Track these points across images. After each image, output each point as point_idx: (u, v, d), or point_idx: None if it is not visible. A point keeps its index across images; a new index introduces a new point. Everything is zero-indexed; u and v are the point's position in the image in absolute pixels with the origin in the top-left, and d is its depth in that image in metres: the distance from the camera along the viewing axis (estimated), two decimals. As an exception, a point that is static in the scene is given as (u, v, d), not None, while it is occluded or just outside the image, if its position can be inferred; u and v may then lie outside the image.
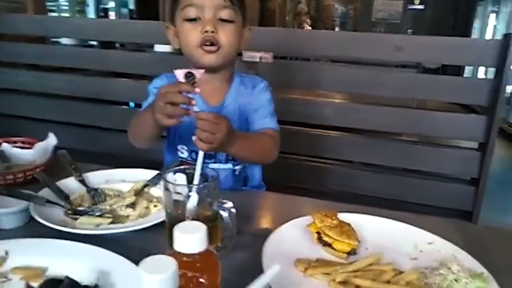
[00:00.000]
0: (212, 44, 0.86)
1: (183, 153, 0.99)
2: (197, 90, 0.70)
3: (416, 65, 2.64)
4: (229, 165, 0.98)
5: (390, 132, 1.55)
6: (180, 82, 0.71)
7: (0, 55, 1.95)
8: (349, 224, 0.68)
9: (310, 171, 1.57)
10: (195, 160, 0.95)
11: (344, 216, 0.71)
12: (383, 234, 0.69)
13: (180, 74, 0.71)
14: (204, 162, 0.95)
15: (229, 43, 0.88)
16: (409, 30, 8.30)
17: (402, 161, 1.50)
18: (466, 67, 5.83)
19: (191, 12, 0.86)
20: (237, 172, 1.00)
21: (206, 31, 0.85)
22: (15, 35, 1.98)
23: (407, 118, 1.47)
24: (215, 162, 0.98)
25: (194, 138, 0.72)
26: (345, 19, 10.28)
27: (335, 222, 0.68)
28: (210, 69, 0.90)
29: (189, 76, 0.71)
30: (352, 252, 0.65)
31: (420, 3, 8.41)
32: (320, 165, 1.56)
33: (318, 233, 0.68)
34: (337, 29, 9.87)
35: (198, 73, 0.72)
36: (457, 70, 5.23)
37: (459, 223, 0.79)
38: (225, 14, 0.87)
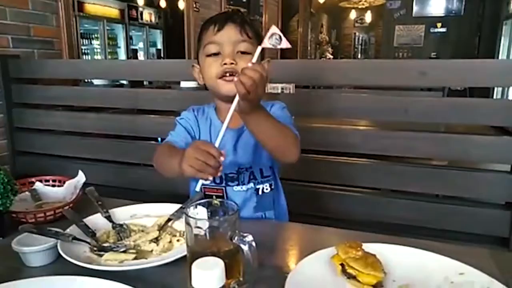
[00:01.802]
0: (231, 75, 0.90)
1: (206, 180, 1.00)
2: (222, 158, 0.73)
3: (442, 88, 2.59)
4: (251, 184, 0.99)
5: (418, 157, 1.51)
6: (213, 146, 0.73)
7: (37, 98, 2.08)
8: (374, 255, 0.66)
9: (336, 200, 1.54)
10: (218, 184, 0.99)
11: (369, 247, 0.69)
12: (410, 265, 0.66)
13: None
14: (227, 185, 0.98)
15: None
16: (433, 53, 8.23)
17: (432, 187, 1.45)
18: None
19: (212, 48, 0.93)
20: (260, 192, 1.00)
21: (225, 63, 0.90)
22: (52, 78, 2.11)
23: (435, 142, 1.43)
24: (238, 185, 0.99)
25: (235, 79, 0.72)
26: (367, 46, 10.33)
27: (359, 253, 0.66)
28: (231, 98, 0.92)
29: None
30: (378, 285, 0.62)
31: (442, 26, 8.36)
32: (346, 193, 1.53)
33: (342, 265, 0.66)
34: (359, 56, 9.91)
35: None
36: (486, 91, 5.08)
37: (494, 251, 0.75)
38: (243, 47, 0.92)
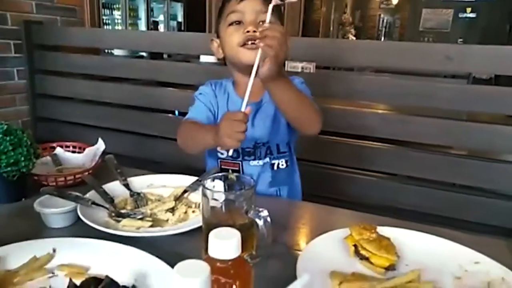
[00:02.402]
0: (253, 43, 0.89)
1: (223, 153, 1.01)
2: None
3: (467, 76, 2.52)
4: (267, 159, 1.00)
5: (438, 145, 1.48)
6: (241, 112, 0.76)
7: (58, 65, 2.10)
8: (388, 239, 0.66)
9: (351, 183, 1.53)
10: (235, 159, 0.99)
11: (383, 230, 0.69)
12: (425, 251, 0.66)
13: None
14: (243, 159, 0.99)
15: None
16: (459, 40, 7.94)
17: (450, 176, 1.43)
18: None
19: (234, 17, 0.92)
20: (276, 167, 1.01)
21: (248, 31, 0.89)
22: (73, 46, 2.13)
23: (456, 130, 1.40)
24: (254, 159, 1.00)
25: (261, 44, 0.73)
26: (391, 29, 10.04)
27: (374, 235, 0.66)
28: (250, 69, 0.92)
29: None
30: (390, 268, 0.62)
31: (471, 11, 8.03)
32: (362, 177, 1.53)
33: (355, 246, 0.66)
34: (382, 39, 9.67)
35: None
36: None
37: (511, 242, 0.73)
38: (265, 17, 0.89)
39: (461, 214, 1.37)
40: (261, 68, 0.75)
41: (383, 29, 10.09)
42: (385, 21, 10.02)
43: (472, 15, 8.11)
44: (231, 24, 0.93)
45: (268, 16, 0.76)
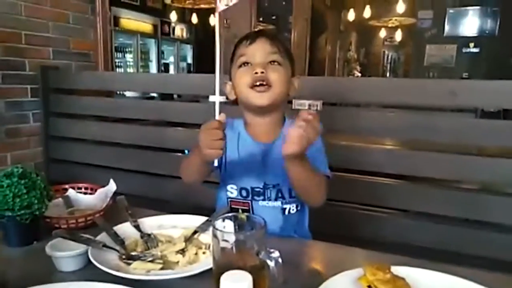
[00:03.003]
0: (262, 85, 0.93)
1: (232, 192, 1.02)
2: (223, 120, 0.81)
3: (474, 109, 2.52)
4: (279, 203, 0.99)
5: (449, 179, 1.47)
6: (215, 120, 0.80)
7: (72, 108, 2.17)
8: (403, 279, 0.64)
9: (361, 220, 1.51)
10: (245, 198, 1.00)
11: (398, 270, 0.67)
12: (441, 291, 0.64)
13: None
14: (253, 199, 1.00)
15: (278, 82, 0.94)
16: (464, 74, 8.03)
17: (463, 211, 1.40)
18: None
19: (244, 59, 0.97)
20: (287, 212, 1.00)
21: (256, 73, 0.93)
22: (87, 89, 2.21)
23: (467, 165, 1.39)
24: (264, 200, 0.99)
25: (302, 128, 0.75)
26: (396, 64, 10.21)
27: (388, 276, 0.64)
28: (261, 110, 0.97)
29: None
30: (407, 310, 0.60)
31: (474, 46, 8.17)
32: (372, 213, 1.51)
33: (369, 287, 0.64)
34: (388, 74, 9.81)
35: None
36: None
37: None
38: (273, 57, 0.96)
39: (477, 251, 1.33)
40: (288, 145, 0.78)
41: (388, 65, 10.27)
42: (389, 57, 10.22)
43: (476, 50, 8.24)
44: (240, 66, 0.97)
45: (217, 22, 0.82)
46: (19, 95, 2.10)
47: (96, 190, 1.11)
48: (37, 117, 2.18)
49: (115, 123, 2.11)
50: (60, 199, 1.08)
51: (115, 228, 0.86)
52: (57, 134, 2.21)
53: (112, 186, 1.09)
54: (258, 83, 0.93)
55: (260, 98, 0.94)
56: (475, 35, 8.26)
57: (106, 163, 2.06)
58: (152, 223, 0.92)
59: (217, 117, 0.80)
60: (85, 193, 1.13)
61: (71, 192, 1.12)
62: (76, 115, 2.18)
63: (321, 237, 1.00)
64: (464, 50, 8.32)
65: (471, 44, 8.21)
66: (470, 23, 8.29)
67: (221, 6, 0.80)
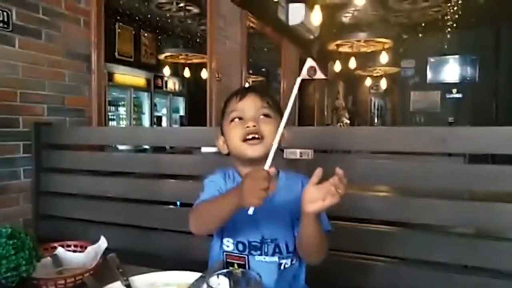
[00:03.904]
0: (254, 138, 0.95)
1: (229, 246, 1.00)
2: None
3: (462, 154, 2.57)
4: (275, 258, 0.97)
5: (443, 225, 1.46)
6: (264, 170, 0.81)
7: (63, 163, 2.17)
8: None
9: (357, 269, 1.48)
10: (241, 252, 0.98)
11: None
12: None
13: None
14: (250, 253, 0.98)
15: (270, 134, 0.96)
16: (450, 119, 8.26)
17: (461, 258, 1.39)
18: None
19: (235, 114, 0.99)
20: (282, 267, 0.97)
21: (248, 126, 0.96)
22: (80, 145, 2.22)
23: (461, 210, 1.39)
24: (261, 255, 0.97)
25: (335, 192, 0.79)
26: (383, 111, 10.49)
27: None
28: (255, 163, 0.97)
29: None
30: None
31: (457, 92, 8.49)
32: (368, 262, 1.48)
33: None
34: (376, 120, 10.04)
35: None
36: (510, 157, 4.99)
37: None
38: (264, 111, 0.99)
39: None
40: (320, 202, 0.80)
41: (376, 111, 10.56)
42: (376, 104, 10.54)
43: (459, 95, 8.56)
44: (232, 121, 1.00)
45: (296, 89, 0.85)
46: (11, 151, 2.10)
47: (86, 248, 1.09)
48: (28, 173, 2.17)
49: (107, 176, 2.09)
50: (48, 258, 1.05)
51: (105, 288, 0.83)
52: (47, 190, 2.19)
53: (102, 243, 1.07)
54: (250, 136, 0.95)
55: (253, 150, 0.96)
56: (457, 81, 8.63)
57: (97, 218, 2.02)
58: (144, 281, 0.90)
59: (266, 167, 0.81)
60: (74, 251, 1.11)
61: (60, 251, 1.09)
62: (68, 170, 2.16)
63: (316, 288, 0.98)
64: (447, 95, 8.64)
65: (454, 90, 8.55)
66: (451, 71, 8.69)
67: (306, 76, 0.85)
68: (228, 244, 1.00)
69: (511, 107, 6.72)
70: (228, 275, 0.66)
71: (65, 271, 1.00)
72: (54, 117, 2.32)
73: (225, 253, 1.00)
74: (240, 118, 0.99)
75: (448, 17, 6.34)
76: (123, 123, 6.74)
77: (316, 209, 0.81)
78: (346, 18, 6.80)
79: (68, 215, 2.11)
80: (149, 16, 6.58)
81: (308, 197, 0.81)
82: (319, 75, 0.84)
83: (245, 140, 0.96)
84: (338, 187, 0.78)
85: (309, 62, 0.85)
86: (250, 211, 0.82)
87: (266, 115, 0.98)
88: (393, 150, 1.61)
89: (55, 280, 0.89)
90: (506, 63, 7.27)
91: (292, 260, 0.99)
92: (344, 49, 6.54)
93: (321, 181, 0.82)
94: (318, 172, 0.81)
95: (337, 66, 7.77)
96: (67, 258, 1.07)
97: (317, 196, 0.80)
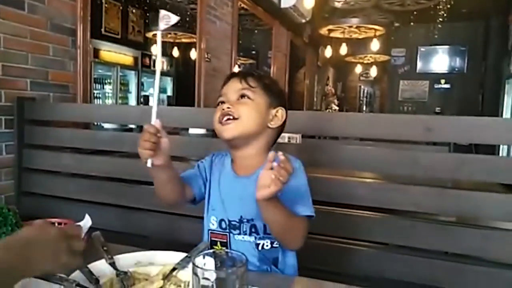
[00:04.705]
0: (228, 119, 0.97)
1: (213, 224, 1.02)
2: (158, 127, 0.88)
3: (447, 143, 2.60)
4: (252, 238, 0.98)
5: (426, 212, 1.49)
6: (151, 125, 0.87)
7: (48, 140, 2.12)
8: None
9: (343, 254, 1.50)
10: (223, 230, 1.00)
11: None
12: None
13: None
14: (230, 232, 0.99)
15: (246, 114, 0.97)
16: (437, 108, 8.38)
17: (442, 244, 1.42)
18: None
19: (220, 99, 1.02)
20: (260, 248, 0.98)
21: (223, 109, 0.98)
22: (64, 121, 2.17)
23: (443, 198, 1.42)
24: (239, 234, 0.98)
25: (274, 176, 0.76)
26: (372, 99, 10.55)
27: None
28: (234, 144, 1.01)
29: None
30: None
31: (445, 82, 8.59)
32: (353, 247, 1.50)
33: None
34: (364, 108, 10.10)
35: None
36: (491, 147, 5.11)
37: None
38: (242, 93, 1.00)
39: (457, 284, 1.34)
40: (263, 190, 0.79)
41: (364, 99, 10.62)
42: (365, 91, 10.59)
43: (447, 86, 8.66)
44: (218, 105, 1.02)
45: (159, 43, 0.90)
46: (-7, 126, 2.04)
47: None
48: (10, 148, 2.12)
49: (91, 155, 2.06)
50: (31, 235, 1.03)
51: (89, 265, 0.82)
52: (30, 166, 2.14)
53: (87, 221, 1.05)
54: (225, 118, 0.97)
55: (226, 131, 0.98)
56: (446, 72, 8.71)
57: (81, 196, 1.99)
58: (129, 260, 0.89)
59: (153, 122, 0.86)
60: (58, 229, 1.09)
61: (43, 228, 1.07)
62: (51, 147, 2.12)
63: (305, 272, 0.99)
64: (436, 85, 8.73)
65: (442, 80, 8.64)
66: (441, 61, 8.76)
67: (162, 26, 0.87)
68: (213, 222, 1.02)
69: (497, 99, 6.83)
70: (213, 255, 0.66)
71: (48, 248, 0.98)
72: (38, 92, 2.25)
73: (209, 231, 1.02)
74: (223, 102, 1.01)
75: (440, 7, 6.35)
76: (109, 102, 6.62)
77: (261, 196, 0.79)
78: (338, 3, 6.74)
79: (51, 192, 2.07)
80: (138, -9, 6.41)
81: (258, 183, 0.80)
82: (174, 19, 0.86)
83: (221, 122, 0.98)
84: (280, 174, 0.76)
85: (162, 13, 0.87)
86: (148, 163, 0.87)
87: (243, 96, 0.99)
88: (380, 137, 1.62)
89: (37, 257, 0.88)
90: (494, 55, 7.36)
91: (273, 243, 0.99)
92: (336, 34, 6.51)
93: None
94: (270, 156, 0.77)
95: (328, 52, 7.75)
96: (50, 235, 1.06)
97: (264, 183, 0.78)
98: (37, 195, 2.12)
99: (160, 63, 0.93)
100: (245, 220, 0.98)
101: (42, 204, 2.08)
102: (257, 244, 0.98)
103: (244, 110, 0.97)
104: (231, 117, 0.97)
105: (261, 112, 1.00)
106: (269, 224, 0.91)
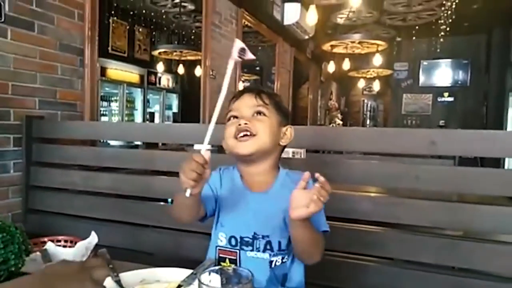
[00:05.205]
0: (246, 135, 0.97)
1: (222, 241, 1.01)
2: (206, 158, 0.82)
3: (452, 156, 2.60)
4: (266, 255, 0.97)
5: (431, 226, 1.48)
6: (200, 155, 0.82)
7: (55, 157, 2.15)
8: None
9: (347, 269, 1.49)
10: (233, 247, 0.99)
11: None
12: None
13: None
14: (241, 249, 0.99)
15: (263, 131, 0.98)
16: (441, 121, 8.36)
17: (448, 258, 1.41)
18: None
19: (232, 113, 1.02)
20: (273, 265, 0.98)
21: (240, 124, 0.98)
22: (71, 139, 2.20)
23: (447, 211, 1.41)
24: (252, 250, 0.97)
25: (315, 197, 0.79)
26: (375, 112, 10.55)
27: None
28: (249, 160, 1.00)
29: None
30: None
31: (449, 96, 8.59)
32: (358, 262, 1.49)
33: None
34: (368, 122, 10.10)
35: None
36: (497, 160, 5.08)
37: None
38: (258, 109, 1.01)
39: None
40: (300, 209, 0.81)
41: (368, 113, 10.63)
42: (369, 105, 10.60)
43: (450, 99, 8.66)
44: (229, 120, 1.02)
45: (229, 72, 0.87)
46: (1, 144, 2.07)
47: (76, 243, 1.08)
48: (18, 166, 2.15)
49: (98, 172, 2.08)
50: (38, 253, 1.04)
51: (95, 283, 0.83)
52: (38, 184, 2.17)
53: (93, 238, 1.06)
54: (242, 134, 0.97)
55: (244, 147, 0.97)
56: (449, 85, 8.72)
57: (88, 213, 2.01)
58: (134, 277, 0.89)
59: (202, 152, 0.82)
60: (64, 246, 1.10)
61: (49, 246, 1.08)
62: (59, 164, 2.15)
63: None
64: (439, 99, 8.73)
65: (446, 94, 8.64)
66: (444, 74, 8.78)
67: (236, 57, 0.87)
68: (222, 238, 1.01)
69: (501, 111, 6.81)
70: (220, 272, 0.67)
71: (55, 265, 0.99)
72: (46, 111, 2.29)
73: (218, 247, 1.01)
74: (235, 117, 1.01)
75: (442, 21, 6.40)
76: (115, 119, 6.69)
77: (298, 216, 0.81)
78: (341, 19, 6.83)
79: (58, 210, 2.09)
80: (143, 11, 6.54)
81: (294, 203, 0.82)
82: (248, 55, 0.86)
83: (237, 137, 0.98)
84: (321, 194, 0.79)
85: (238, 44, 0.86)
86: (187, 193, 0.83)
87: (259, 113, 1.00)
88: (384, 151, 1.62)
89: (44, 275, 0.89)
90: (496, 68, 7.37)
91: (283, 258, 0.99)
92: (339, 50, 6.57)
93: (316, 180, 0.82)
94: (306, 176, 0.82)
95: (331, 67, 7.81)
96: (57, 253, 1.06)
97: (301, 203, 0.80)
98: (44, 213, 2.14)
99: (225, 91, 0.87)
100: (260, 237, 0.97)
101: (49, 222, 2.09)
102: (271, 262, 0.97)
103: (261, 127, 0.98)
104: (248, 133, 0.97)
105: (274, 129, 1.01)
106: (296, 242, 0.91)
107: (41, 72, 2.26)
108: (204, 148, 0.83)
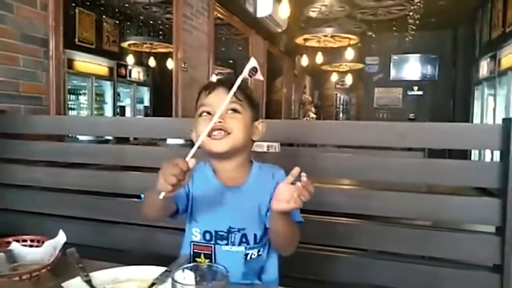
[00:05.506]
0: (219, 133, 0.96)
1: (196, 236, 1.00)
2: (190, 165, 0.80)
3: (422, 148, 2.67)
4: (242, 248, 0.97)
5: (402, 217, 1.51)
6: (183, 159, 0.80)
7: (19, 153, 2.05)
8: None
9: (321, 261, 1.50)
10: (208, 241, 0.98)
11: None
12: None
13: None
14: (216, 243, 0.98)
15: (237, 128, 0.97)
16: (411, 114, 8.61)
17: (419, 248, 1.44)
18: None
19: (204, 109, 1.00)
20: (249, 258, 0.98)
21: (215, 123, 0.94)
22: (37, 134, 2.11)
23: (418, 203, 1.45)
24: (227, 244, 0.97)
25: (296, 195, 0.80)
26: (348, 106, 10.74)
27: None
28: (223, 156, 1.00)
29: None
30: None
31: (418, 89, 8.85)
32: (332, 254, 1.51)
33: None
34: (341, 115, 10.27)
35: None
36: (464, 152, 5.29)
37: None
38: (231, 106, 0.98)
39: (435, 287, 1.37)
40: (282, 203, 0.83)
41: (341, 106, 10.80)
42: (341, 99, 10.78)
43: (420, 92, 8.92)
44: (201, 115, 1.00)
45: (236, 86, 0.87)
46: (-41, 140, 1.96)
47: (43, 242, 1.03)
48: (-21, 163, 2.04)
49: (65, 168, 2.00)
50: (1, 254, 0.99)
51: (63, 284, 0.80)
52: (1, 181, 2.06)
53: (61, 237, 1.02)
54: (216, 132, 0.95)
55: (218, 145, 0.96)
56: (418, 79, 8.99)
57: (55, 211, 1.93)
58: (106, 276, 0.86)
59: (188, 158, 0.80)
60: (31, 246, 1.05)
61: (14, 246, 1.03)
62: (23, 160, 2.05)
63: (286, 281, 0.99)
64: (409, 92, 8.98)
65: (415, 88, 8.90)
66: (413, 69, 9.03)
67: (246, 75, 0.88)
68: (196, 234, 1.00)
69: (467, 105, 7.08)
70: (194, 268, 0.65)
71: (21, 267, 0.94)
72: (8, 104, 2.18)
73: (192, 243, 1.00)
74: (208, 113, 0.99)
75: (410, 16, 6.57)
76: (84, 113, 6.48)
77: (279, 208, 0.84)
78: (313, 12, 6.87)
79: (23, 208, 2.00)
80: (111, 1, 6.34)
81: (277, 195, 0.84)
82: (258, 76, 0.87)
83: (211, 135, 0.96)
84: (302, 194, 0.80)
85: (252, 63, 0.87)
86: (161, 195, 0.81)
87: (234, 110, 0.98)
88: (357, 144, 1.64)
89: (10, 277, 0.84)
90: (463, 63, 7.65)
91: (259, 251, 1.00)
92: (312, 43, 6.62)
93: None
94: (294, 172, 0.83)
95: (304, 61, 7.86)
96: (22, 253, 1.01)
97: (284, 197, 0.82)
98: (8, 211, 2.04)
99: (226, 103, 0.88)
100: (235, 230, 0.97)
101: (14, 220, 2.00)
102: (246, 254, 0.98)
103: (235, 125, 0.97)
104: (222, 132, 0.96)
105: (248, 125, 1.01)
106: (275, 233, 0.94)
107: (1, 63, 2.14)
108: (188, 156, 0.81)
